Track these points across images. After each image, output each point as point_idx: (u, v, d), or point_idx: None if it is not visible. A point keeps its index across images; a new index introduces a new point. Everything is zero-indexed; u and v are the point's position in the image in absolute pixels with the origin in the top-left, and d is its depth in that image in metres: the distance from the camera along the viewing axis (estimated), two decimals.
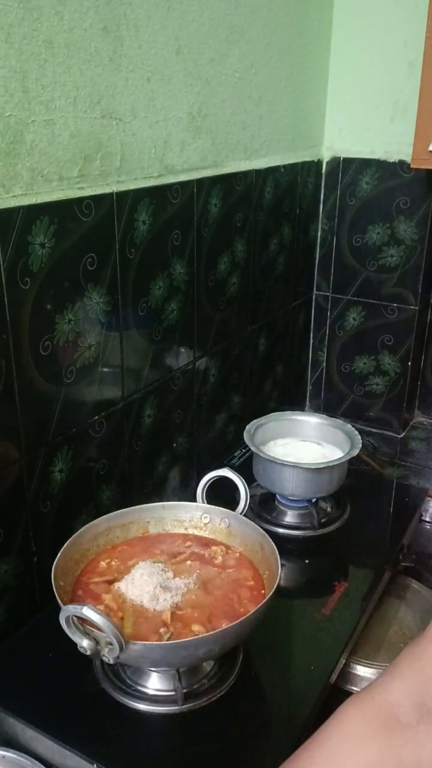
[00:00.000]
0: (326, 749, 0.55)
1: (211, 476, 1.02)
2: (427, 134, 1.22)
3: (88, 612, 0.69)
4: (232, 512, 0.98)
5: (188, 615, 0.83)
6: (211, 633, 0.76)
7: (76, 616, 0.71)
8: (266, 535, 0.91)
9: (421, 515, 1.36)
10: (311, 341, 1.75)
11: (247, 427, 1.28)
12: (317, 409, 1.78)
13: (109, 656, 0.72)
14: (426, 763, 0.51)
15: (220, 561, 0.94)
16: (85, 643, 0.72)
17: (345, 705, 0.56)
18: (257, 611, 0.78)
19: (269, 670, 0.89)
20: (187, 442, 1.27)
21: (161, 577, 0.87)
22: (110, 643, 0.71)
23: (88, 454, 1.02)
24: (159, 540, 0.98)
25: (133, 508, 0.98)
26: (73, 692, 0.84)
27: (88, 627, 0.72)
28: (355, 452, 1.19)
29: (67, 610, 0.71)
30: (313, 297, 1.70)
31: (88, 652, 0.73)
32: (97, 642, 0.72)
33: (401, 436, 1.68)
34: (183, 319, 1.18)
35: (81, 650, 0.73)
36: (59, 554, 0.85)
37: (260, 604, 0.79)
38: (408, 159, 1.37)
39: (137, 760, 0.76)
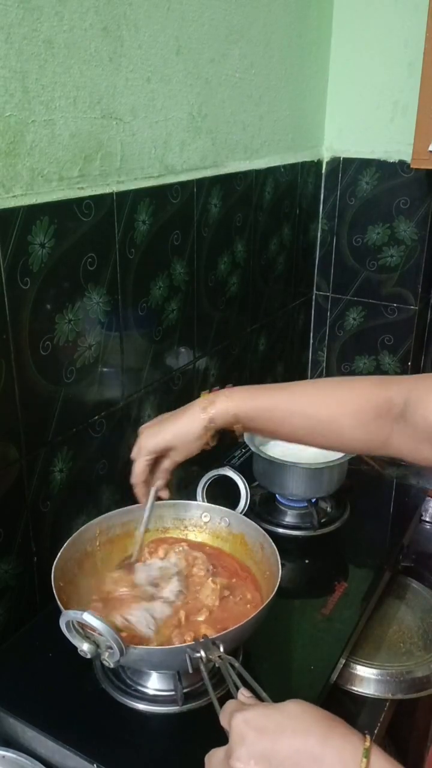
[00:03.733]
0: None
1: (212, 475, 1.02)
2: (427, 134, 1.23)
3: (89, 617, 0.68)
4: (232, 511, 0.98)
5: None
6: (211, 638, 0.76)
7: (77, 621, 0.71)
8: (266, 535, 0.91)
9: (421, 515, 1.36)
10: (311, 341, 1.75)
11: None
12: None
13: (109, 660, 0.72)
14: None
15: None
16: (85, 647, 0.72)
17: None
18: (258, 613, 0.78)
19: (269, 670, 0.89)
20: None
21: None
22: (110, 648, 0.70)
23: (88, 454, 1.02)
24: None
25: (132, 507, 0.98)
26: (73, 692, 0.84)
27: (89, 631, 0.72)
28: None
29: (68, 615, 0.71)
30: (313, 297, 1.70)
31: (89, 656, 0.72)
32: (97, 646, 0.72)
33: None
34: (183, 319, 1.18)
35: (81, 654, 0.73)
36: (59, 554, 0.85)
37: (261, 606, 0.79)
38: (408, 159, 1.37)
39: (137, 760, 0.76)
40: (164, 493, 0.91)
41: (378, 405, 0.76)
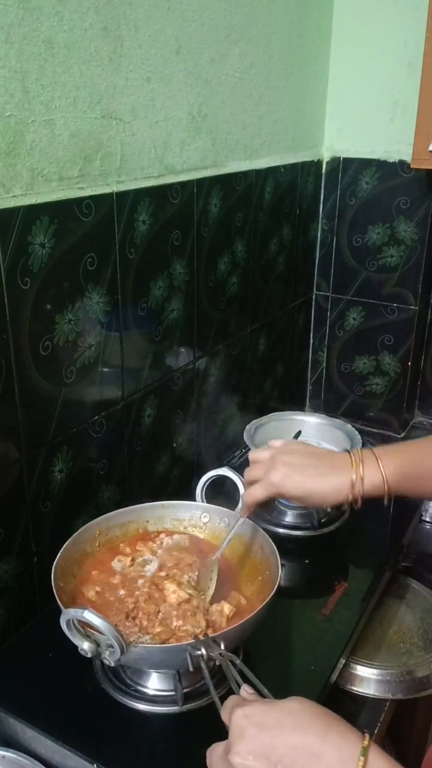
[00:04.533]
0: None
1: (211, 475, 1.02)
2: (427, 134, 1.23)
3: (90, 615, 0.68)
4: (232, 512, 0.98)
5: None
6: (211, 635, 0.76)
7: (77, 619, 0.71)
8: (266, 535, 0.91)
9: (421, 515, 1.36)
10: (311, 341, 1.75)
11: (247, 427, 1.28)
12: (317, 409, 1.78)
13: (110, 659, 0.72)
14: None
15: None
16: (85, 646, 0.72)
17: None
18: (258, 611, 0.78)
19: (269, 670, 0.89)
20: (187, 442, 1.27)
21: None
22: (111, 646, 0.71)
23: (88, 454, 1.02)
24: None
25: (132, 507, 0.98)
26: (73, 692, 0.84)
27: (89, 630, 0.72)
28: None
29: (68, 614, 0.71)
30: (313, 297, 1.70)
31: (89, 655, 0.73)
32: (98, 644, 0.72)
33: (401, 436, 1.68)
34: (183, 319, 1.18)
35: (82, 653, 0.73)
36: (59, 554, 0.85)
37: (261, 605, 0.79)
38: (408, 159, 1.37)
39: (137, 760, 0.76)
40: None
41: None
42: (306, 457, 0.84)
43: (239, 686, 0.64)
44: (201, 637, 0.74)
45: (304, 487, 0.81)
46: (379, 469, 0.78)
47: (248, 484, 0.87)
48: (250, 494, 0.86)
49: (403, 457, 0.80)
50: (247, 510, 0.89)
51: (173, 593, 0.85)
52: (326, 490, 0.81)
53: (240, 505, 0.98)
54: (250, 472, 0.87)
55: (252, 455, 0.89)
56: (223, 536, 0.98)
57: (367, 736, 0.53)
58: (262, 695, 0.63)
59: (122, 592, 0.88)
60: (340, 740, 0.53)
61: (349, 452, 0.83)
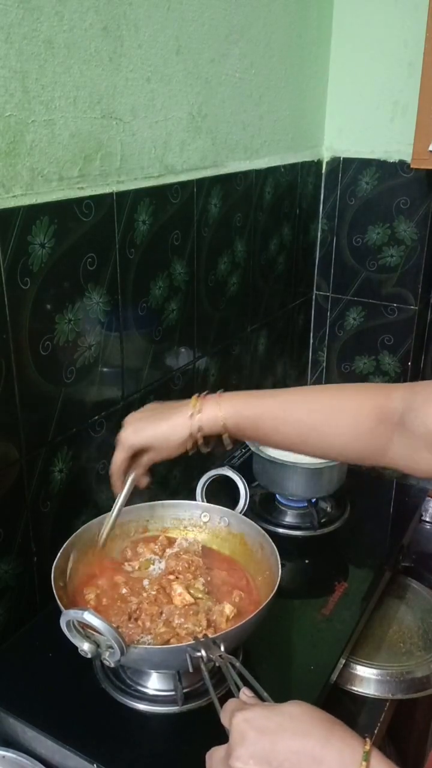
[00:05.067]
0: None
1: (211, 475, 1.02)
2: (427, 134, 1.22)
3: (89, 617, 0.68)
4: (232, 511, 0.98)
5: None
6: (211, 636, 0.76)
7: (77, 620, 0.71)
8: (266, 535, 0.91)
9: (421, 515, 1.36)
10: (311, 341, 1.75)
11: None
12: None
13: (110, 660, 0.72)
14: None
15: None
16: (86, 647, 0.72)
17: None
18: (258, 612, 0.78)
19: (269, 670, 0.89)
20: None
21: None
22: (111, 647, 0.70)
23: (88, 454, 1.02)
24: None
25: (132, 507, 0.98)
26: (73, 692, 0.84)
27: (89, 630, 0.72)
28: None
29: (68, 615, 0.71)
30: (313, 297, 1.70)
31: (89, 656, 0.72)
32: (98, 645, 0.72)
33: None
34: (183, 319, 1.18)
35: (82, 653, 0.72)
36: (59, 555, 0.85)
37: (261, 606, 0.79)
38: (408, 159, 1.37)
39: (137, 760, 0.76)
40: (143, 482, 0.89)
41: (377, 412, 0.75)
42: (151, 410, 0.86)
43: (239, 689, 0.64)
44: (201, 638, 0.74)
45: (150, 433, 0.83)
46: (218, 408, 0.80)
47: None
48: (113, 463, 0.86)
49: (244, 400, 0.81)
50: (116, 478, 0.88)
51: (179, 596, 0.85)
52: (167, 430, 0.82)
53: (241, 503, 0.98)
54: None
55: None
56: (223, 536, 0.99)
57: (368, 740, 0.53)
58: (261, 698, 0.62)
59: (125, 590, 0.88)
60: (341, 745, 0.53)
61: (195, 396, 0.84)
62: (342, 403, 0.78)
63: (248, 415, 0.80)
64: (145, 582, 0.89)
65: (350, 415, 0.77)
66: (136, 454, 0.86)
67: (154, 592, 0.86)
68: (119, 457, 0.85)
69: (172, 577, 0.89)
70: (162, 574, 0.90)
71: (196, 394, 0.84)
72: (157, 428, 0.83)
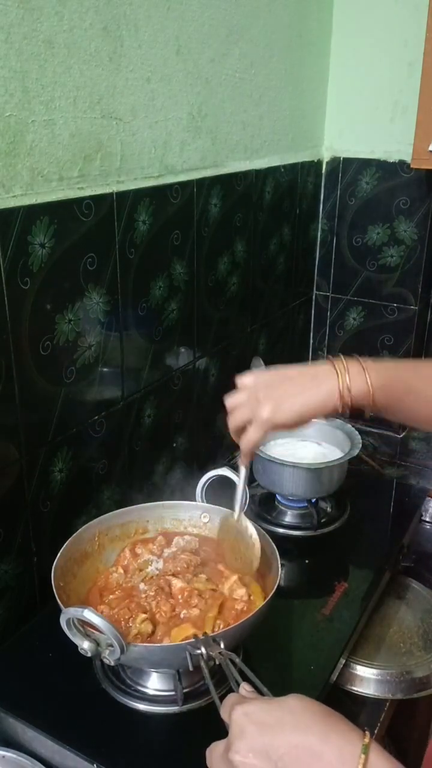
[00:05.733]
0: None
1: (211, 475, 1.02)
2: (427, 134, 1.22)
3: (89, 615, 0.68)
4: (232, 511, 0.98)
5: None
6: (211, 635, 0.76)
7: (77, 618, 0.71)
8: (266, 535, 0.91)
9: (421, 515, 1.36)
10: (311, 341, 1.75)
11: None
12: None
13: (110, 658, 0.72)
14: None
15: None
16: (85, 645, 0.72)
17: None
18: (258, 612, 0.78)
19: (269, 670, 0.89)
20: (187, 442, 1.27)
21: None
22: (111, 645, 0.71)
23: (88, 454, 1.02)
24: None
25: (132, 507, 0.98)
26: (73, 692, 0.84)
27: (89, 629, 0.72)
28: (355, 452, 1.19)
29: (68, 613, 0.71)
30: (313, 297, 1.70)
31: (89, 654, 0.73)
32: (98, 644, 0.72)
33: (401, 436, 1.68)
34: (183, 319, 1.18)
35: (82, 652, 0.73)
36: (59, 554, 0.85)
37: (261, 605, 0.79)
38: (408, 159, 1.37)
39: (137, 760, 0.76)
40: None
41: None
42: (285, 381, 0.80)
43: (239, 685, 0.64)
44: (201, 636, 0.74)
45: (294, 411, 0.77)
46: (366, 379, 0.74)
47: (236, 432, 0.82)
48: (246, 440, 0.81)
49: (390, 370, 0.76)
50: (247, 457, 0.84)
51: (179, 589, 0.85)
52: (318, 404, 0.76)
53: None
54: (235, 418, 0.82)
55: (229, 401, 0.83)
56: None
57: (367, 733, 0.53)
58: (261, 694, 0.62)
59: (118, 593, 0.88)
60: (340, 739, 0.53)
61: (330, 361, 0.78)
62: None
63: (396, 389, 0.75)
64: (142, 585, 0.89)
65: None
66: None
67: (152, 593, 0.86)
68: (257, 435, 0.79)
69: (163, 581, 0.89)
70: (160, 574, 0.90)
71: (332, 357, 0.78)
72: (306, 403, 0.76)
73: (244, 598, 0.86)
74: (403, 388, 0.76)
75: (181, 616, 0.83)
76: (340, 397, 0.74)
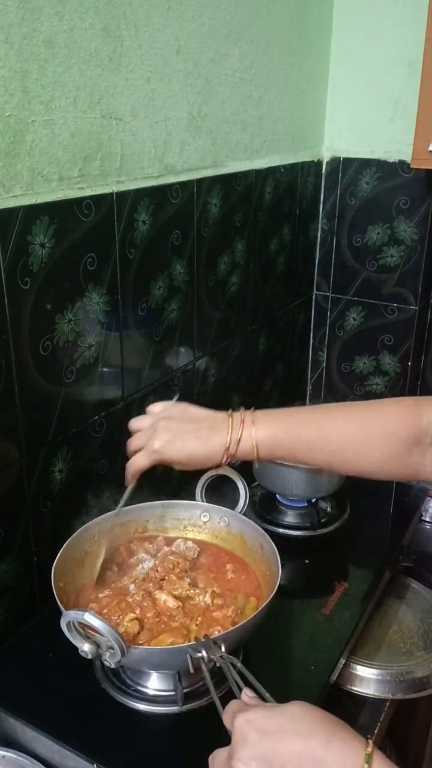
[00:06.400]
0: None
1: (211, 474, 1.02)
2: (427, 134, 1.22)
3: (90, 618, 0.68)
4: (232, 511, 0.98)
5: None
6: (212, 637, 0.76)
7: (78, 621, 0.71)
8: (266, 535, 0.91)
9: (421, 515, 1.36)
10: (311, 341, 1.75)
11: None
12: None
13: (110, 660, 0.72)
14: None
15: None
16: (86, 648, 0.72)
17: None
18: (259, 613, 0.78)
19: (269, 670, 0.89)
20: None
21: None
22: (111, 648, 0.70)
23: (88, 454, 1.02)
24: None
25: (131, 506, 0.98)
26: (73, 692, 0.84)
27: (90, 631, 0.72)
28: None
29: (69, 616, 0.71)
30: (313, 297, 1.70)
31: (90, 656, 0.72)
32: (98, 646, 0.72)
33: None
34: (183, 319, 1.18)
35: (82, 654, 0.72)
36: (58, 555, 0.85)
37: (261, 606, 0.79)
38: (408, 159, 1.36)
39: (137, 760, 0.76)
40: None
41: (409, 433, 0.75)
42: (186, 422, 0.84)
43: (240, 689, 0.64)
44: (201, 638, 0.74)
45: (185, 452, 0.81)
46: (252, 431, 0.79)
47: (132, 453, 0.86)
48: (133, 463, 0.85)
49: (279, 424, 0.80)
50: (132, 478, 0.88)
51: (164, 602, 0.85)
52: (206, 454, 0.81)
53: (241, 503, 0.98)
54: (133, 441, 0.86)
55: (133, 424, 0.88)
56: (222, 536, 0.99)
57: (371, 742, 0.53)
58: (263, 699, 0.62)
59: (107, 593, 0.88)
60: (343, 747, 0.53)
61: (230, 413, 0.83)
62: (374, 426, 0.78)
63: (282, 441, 0.79)
64: (131, 587, 0.88)
65: (383, 441, 0.77)
66: None
67: (139, 598, 0.85)
68: (143, 462, 0.83)
69: (152, 585, 0.88)
70: (146, 576, 0.90)
71: (230, 411, 0.82)
72: (195, 448, 0.81)
73: (227, 613, 0.84)
74: (292, 443, 0.80)
75: (163, 625, 0.82)
76: (225, 452, 0.80)
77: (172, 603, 0.84)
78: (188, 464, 0.83)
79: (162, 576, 0.89)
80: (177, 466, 0.83)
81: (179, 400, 0.91)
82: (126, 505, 0.92)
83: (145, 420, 0.87)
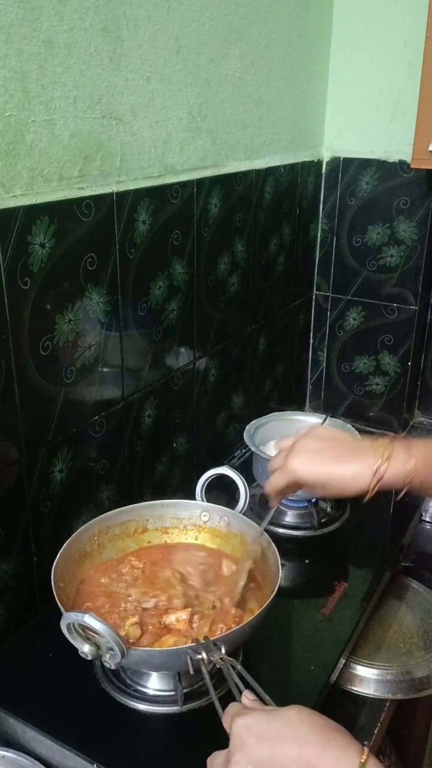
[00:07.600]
0: None
1: (211, 474, 1.02)
2: (427, 134, 1.22)
3: (90, 620, 0.68)
4: (232, 511, 0.98)
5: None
6: (212, 638, 0.76)
7: (78, 623, 0.71)
8: (266, 534, 0.91)
9: (421, 515, 1.36)
10: (311, 341, 1.75)
11: (247, 427, 1.28)
12: (317, 409, 1.78)
13: (110, 662, 0.72)
14: None
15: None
16: (86, 649, 0.72)
17: None
18: (259, 614, 0.78)
19: (269, 670, 0.89)
20: (187, 442, 1.27)
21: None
22: (111, 649, 0.70)
23: (88, 454, 1.02)
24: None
25: (132, 506, 0.98)
26: (73, 692, 0.84)
27: (90, 633, 0.72)
28: None
29: (69, 617, 0.71)
30: (313, 297, 1.70)
31: (90, 658, 0.72)
32: (98, 647, 0.72)
33: (401, 436, 1.68)
34: (183, 319, 1.18)
35: (82, 655, 0.73)
36: (58, 555, 0.85)
37: (262, 607, 0.79)
38: (408, 159, 1.36)
39: (137, 760, 0.76)
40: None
41: None
42: (327, 442, 0.79)
43: (240, 691, 0.64)
44: (202, 640, 0.74)
45: (322, 473, 0.76)
46: (407, 458, 0.73)
47: (271, 473, 0.84)
48: (270, 483, 0.82)
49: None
50: (274, 499, 0.86)
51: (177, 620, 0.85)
52: (346, 477, 0.75)
53: (241, 503, 0.98)
54: (273, 461, 0.84)
55: (277, 444, 0.86)
56: (223, 536, 0.98)
57: (366, 750, 0.53)
58: (263, 701, 0.62)
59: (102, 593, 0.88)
60: (338, 754, 0.53)
61: (379, 442, 0.77)
62: None
63: None
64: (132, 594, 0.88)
65: None
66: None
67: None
68: (279, 481, 0.80)
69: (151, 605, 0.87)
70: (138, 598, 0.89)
71: (383, 438, 0.77)
72: (336, 471, 0.76)
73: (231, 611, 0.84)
74: None
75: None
76: (374, 474, 0.74)
77: (184, 615, 0.84)
78: (327, 486, 0.77)
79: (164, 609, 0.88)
80: (319, 491, 0.79)
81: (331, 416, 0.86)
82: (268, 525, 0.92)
83: (289, 441, 0.83)
